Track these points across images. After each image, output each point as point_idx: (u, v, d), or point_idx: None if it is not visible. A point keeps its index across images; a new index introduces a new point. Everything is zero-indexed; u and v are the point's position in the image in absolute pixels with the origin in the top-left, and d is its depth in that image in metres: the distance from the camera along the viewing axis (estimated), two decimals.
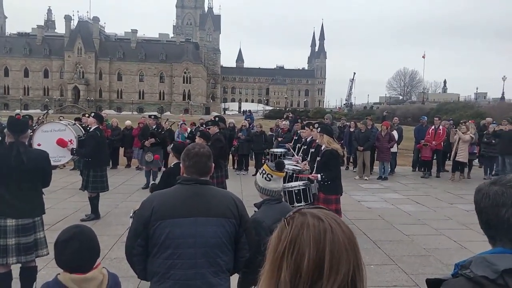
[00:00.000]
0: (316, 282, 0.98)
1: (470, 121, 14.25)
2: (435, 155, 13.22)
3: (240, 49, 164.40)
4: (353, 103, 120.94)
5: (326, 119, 14.32)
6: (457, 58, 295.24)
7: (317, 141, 6.30)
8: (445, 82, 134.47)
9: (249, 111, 23.45)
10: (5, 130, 4.06)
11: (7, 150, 3.91)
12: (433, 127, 13.17)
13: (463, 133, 11.90)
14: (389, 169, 12.96)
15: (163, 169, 10.57)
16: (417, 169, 14.12)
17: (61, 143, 6.86)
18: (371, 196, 10.12)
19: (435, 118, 13.65)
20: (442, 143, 12.92)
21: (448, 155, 13.69)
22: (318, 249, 0.99)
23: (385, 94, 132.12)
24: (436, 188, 11.23)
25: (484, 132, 13.25)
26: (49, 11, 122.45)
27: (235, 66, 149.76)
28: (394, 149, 13.03)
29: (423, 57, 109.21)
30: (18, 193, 3.91)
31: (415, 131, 14.28)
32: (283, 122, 14.07)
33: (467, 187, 11.43)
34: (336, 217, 1.06)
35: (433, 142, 12.72)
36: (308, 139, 7.50)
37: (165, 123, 13.41)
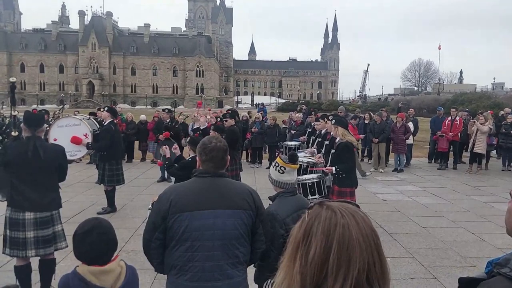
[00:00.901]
0: (325, 277, 0.96)
1: (489, 111, 13.97)
2: (451, 146, 13.02)
3: (252, 41, 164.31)
4: (367, 95, 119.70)
5: (340, 112, 14.19)
6: (473, 48, 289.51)
7: (331, 133, 6.24)
8: (461, 72, 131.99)
9: (262, 104, 23.38)
10: (22, 125, 4.11)
11: (24, 144, 3.96)
12: (449, 118, 12.95)
13: (481, 124, 11.67)
14: (405, 161, 12.82)
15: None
16: (433, 161, 13.93)
17: (76, 141, 6.91)
18: (387, 188, 10.02)
19: (451, 109, 13.42)
20: (459, 134, 12.70)
21: (465, 146, 13.46)
22: (325, 243, 0.97)
23: (400, 86, 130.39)
24: (453, 180, 11.07)
25: (503, 123, 12.97)
26: (63, 6, 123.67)
27: (247, 59, 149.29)
28: (409, 140, 12.88)
29: (439, 48, 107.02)
30: (35, 187, 3.96)
31: (431, 122, 14.07)
32: (296, 115, 14.00)
33: (484, 179, 11.25)
34: (356, 213, 1.03)
35: (450, 134, 12.52)
36: (322, 132, 7.44)
37: (178, 116, 13.45)
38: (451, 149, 13.10)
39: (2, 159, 3.93)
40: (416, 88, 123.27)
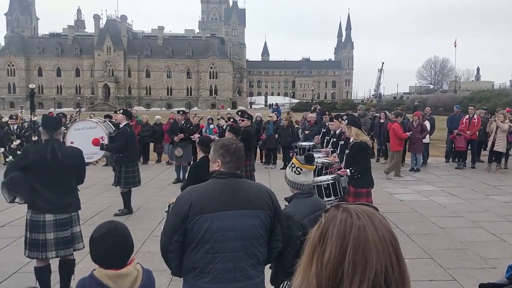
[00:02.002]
0: (340, 280, 0.95)
1: (506, 109, 13.67)
2: (469, 145, 12.78)
3: (265, 42, 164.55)
4: (382, 94, 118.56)
5: (359, 109, 14.08)
6: (490, 45, 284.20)
7: (345, 133, 6.18)
8: (478, 69, 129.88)
9: (276, 104, 23.35)
10: (40, 128, 4.17)
11: (43, 147, 4.02)
12: (467, 116, 12.71)
13: (501, 122, 11.43)
14: (421, 161, 12.63)
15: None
16: (450, 160, 13.70)
17: (97, 142, 7.06)
18: (404, 188, 9.89)
19: (469, 107, 13.18)
20: (477, 133, 12.47)
21: (483, 145, 13.21)
22: (341, 245, 0.96)
23: (415, 84, 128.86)
24: (471, 179, 10.87)
25: None
26: (79, 11, 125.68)
27: (260, 59, 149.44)
28: (426, 139, 12.68)
29: (455, 45, 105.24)
30: (55, 189, 4.03)
31: (448, 120, 13.84)
32: (310, 115, 13.91)
33: (504, 178, 11.02)
34: (373, 215, 1.01)
35: (468, 132, 12.29)
36: (337, 132, 7.38)
37: (193, 118, 13.52)
38: (469, 147, 12.86)
39: (22, 163, 4.01)
40: (432, 86, 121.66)
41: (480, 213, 7.64)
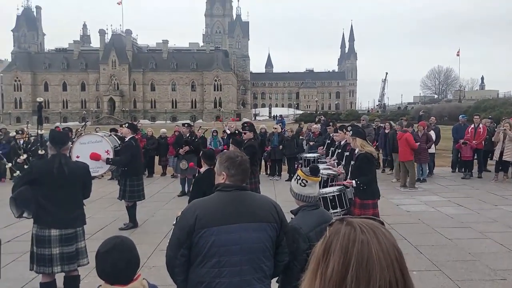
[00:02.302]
0: None
1: (511, 118, 13.61)
2: (476, 154, 12.69)
3: (269, 54, 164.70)
4: (386, 104, 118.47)
5: (363, 120, 14.06)
6: (494, 54, 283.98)
7: (350, 144, 6.16)
8: (482, 78, 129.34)
9: (280, 116, 23.40)
10: (48, 143, 4.20)
11: (50, 162, 4.05)
12: (472, 125, 12.66)
13: (510, 130, 11.36)
14: (428, 171, 12.55)
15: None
16: (457, 170, 13.60)
17: (95, 157, 6.99)
18: (410, 199, 9.81)
19: (474, 117, 13.12)
20: (483, 142, 12.40)
21: (490, 154, 13.11)
22: (344, 260, 0.95)
23: (419, 94, 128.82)
24: (479, 189, 10.77)
25: None
26: (84, 26, 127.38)
27: (264, 71, 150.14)
28: (432, 149, 12.62)
29: (458, 54, 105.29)
30: (60, 204, 4.04)
31: (453, 130, 13.78)
32: (314, 126, 13.90)
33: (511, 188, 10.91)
34: (378, 229, 1.01)
35: (474, 142, 12.23)
36: (342, 143, 7.36)
37: (198, 131, 13.56)
38: (475, 157, 12.77)
39: (28, 177, 4.03)
40: (436, 96, 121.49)
41: (488, 223, 7.55)
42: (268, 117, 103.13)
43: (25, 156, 9.27)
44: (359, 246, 0.96)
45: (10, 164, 9.48)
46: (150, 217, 8.45)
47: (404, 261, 0.99)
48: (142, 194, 7.85)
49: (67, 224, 4.07)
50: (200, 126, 15.68)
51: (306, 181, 2.97)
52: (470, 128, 12.62)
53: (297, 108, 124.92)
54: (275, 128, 14.00)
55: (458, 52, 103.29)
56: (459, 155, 13.20)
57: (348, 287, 0.94)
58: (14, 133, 12.04)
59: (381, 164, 13.99)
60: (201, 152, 5.18)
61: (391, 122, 15.11)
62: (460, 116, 14.81)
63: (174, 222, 3.36)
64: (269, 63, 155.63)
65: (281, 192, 10.05)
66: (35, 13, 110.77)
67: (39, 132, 4.25)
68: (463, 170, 12.99)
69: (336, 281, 0.95)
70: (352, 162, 5.72)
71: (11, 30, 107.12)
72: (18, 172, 6.82)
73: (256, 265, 2.33)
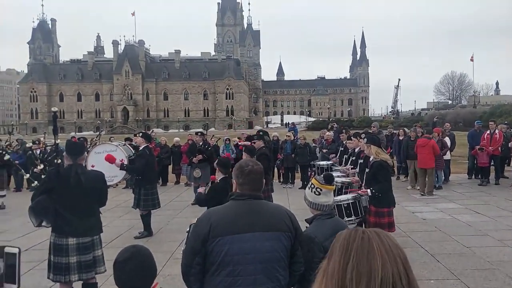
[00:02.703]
0: None
1: None
2: (492, 161, 12.49)
3: (280, 62, 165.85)
4: (400, 110, 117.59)
5: (373, 127, 13.96)
6: (509, 58, 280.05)
7: (364, 151, 6.13)
8: (497, 83, 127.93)
9: (293, 123, 23.29)
10: (64, 154, 4.27)
11: (66, 172, 4.11)
12: (488, 131, 12.47)
13: None
14: (443, 178, 12.38)
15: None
16: (473, 177, 13.39)
17: (110, 159, 7.05)
18: (426, 206, 9.68)
19: (490, 122, 12.92)
20: (499, 148, 12.19)
21: (507, 160, 12.89)
22: (344, 255, 0.98)
23: (433, 100, 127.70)
24: (496, 196, 10.57)
25: None
26: (98, 37, 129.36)
27: (275, 79, 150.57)
28: (447, 156, 12.45)
29: (472, 59, 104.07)
30: (77, 213, 4.09)
31: (469, 136, 13.59)
32: (327, 133, 13.84)
33: None
34: (381, 232, 1.04)
35: (490, 148, 12.04)
36: (356, 150, 7.32)
37: (211, 139, 13.61)
38: (492, 163, 12.56)
39: (45, 186, 4.09)
40: (450, 102, 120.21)
41: (507, 231, 7.40)
42: (280, 125, 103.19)
43: (42, 166, 9.41)
44: (359, 241, 0.99)
45: (28, 175, 9.63)
46: (164, 225, 8.48)
47: (408, 263, 1.00)
48: (156, 203, 7.89)
49: (84, 232, 4.12)
50: (213, 135, 15.74)
51: (321, 190, 2.95)
52: (486, 134, 12.44)
53: (309, 115, 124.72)
54: (288, 136, 13.94)
55: (471, 57, 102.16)
56: (475, 162, 13.01)
57: (349, 277, 0.95)
58: (31, 144, 12.25)
59: (396, 171, 13.85)
60: (217, 160, 5.19)
61: (405, 128, 14.97)
62: (476, 122, 14.61)
63: (188, 229, 3.38)
64: (280, 71, 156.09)
65: (294, 200, 10.01)
66: (50, 26, 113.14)
67: (55, 141, 4.33)
68: (479, 176, 12.78)
69: (339, 274, 0.97)
70: (367, 170, 5.68)
71: (27, 43, 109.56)
72: (36, 182, 6.93)
73: (271, 274, 2.32)
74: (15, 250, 1.49)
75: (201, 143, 11.57)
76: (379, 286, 0.93)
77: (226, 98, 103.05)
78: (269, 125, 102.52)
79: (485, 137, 12.34)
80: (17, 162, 11.64)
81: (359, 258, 0.96)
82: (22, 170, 10.83)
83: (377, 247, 0.97)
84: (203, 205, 4.98)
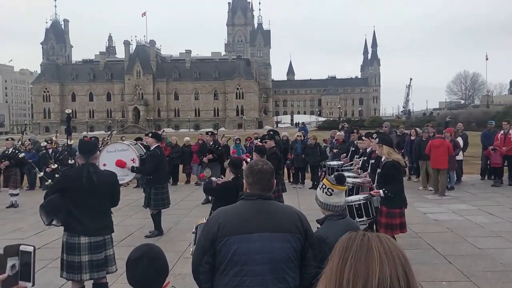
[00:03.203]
0: None
1: None
2: (506, 161, 12.30)
3: (290, 61, 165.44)
4: (411, 110, 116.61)
5: (385, 127, 13.85)
6: None
7: (376, 152, 6.08)
8: (511, 83, 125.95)
9: (303, 123, 23.28)
10: (77, 153, 4.32)
11: (79, 171, 4.15)
12: (502, 131, 12.29)
13: None
14: (455, 178, 12.23)
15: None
16: (486, 177, 13.21)
17: (120, 164, 7.08)
18: (438, 207, 9.58)
19: (503, 123, 12.72)
20: None
21: None
22: (343, 254, 0.99)
23: (445, 99, 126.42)
24: (509, 197, 10.41)
25: None
26: (110, 38, 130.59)
27: (286, 79, 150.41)
28: (459, 156, 12.30)
29: (486, 58, 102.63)
30: (89, 212, 4.13)
31: (482, 136, 13.41)
32: (338, 133, 13.76)
33: None
34: (382, 235, 1.04)
35: (504, 148, 11.87)
36: (367, 150, 7.27)
37: (221, 139, 13.64)
38: (506, 164, 12.37)
39: (58, 186, 4.14)
40: (463, 101, 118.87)
41: None
42: (290, 125, 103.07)
43: (56, 165, 9.51)
44: (359, 242, 0.99)
45: (41, 174, 9.75)
46: (175, 224, 8.52)
47: (409, 265, 0.99)
48: (166, 202, 7.93)
49: (96, 232, 4.16)
50: (224, 135, 15.78)
51: (332, 190, 2.93)
52: (500, 134, 12.26)
53: (320, 115, 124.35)
54: (299, 136, 13.89)
55: (486, 56, 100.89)
56: (488, 162, 12.84)
57: (347, 277, 0.95)
58: (45, 143, 12.41)
59: (407, 171, 13.72)
60: (229, 160, 5.20)
61: (417, 128, 14.82)
62: (488, 122, 14.41)
63: (194, 231, 3.39)
64: (290, 71, 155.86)
65: (304, 200, 9.98)
66: (63, 26, 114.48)
67: (68, 142, 4.37)
68: (492, 177, 12.61)
69: (336, 274, 0.97)
70: (379, 170, 5.63)
71: (40, 43, 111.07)
72: (49, 181, 7.01)
73: (279, 275, 2.31)
74: (30, 249, 1.50)
75: (211, 143, 11.62)
76: (377, 286, 0.93)
77: (236, 98, 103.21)
78: (279, 125, 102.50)
79: (499, 137, 12.17)
80: (30, 161, 11.79)
81: (357, 258, 0.96)
82: (36, 168, 10.97)
83: (376, 248, 0.97)
84: (208, 194, 5.00)
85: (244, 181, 2.60)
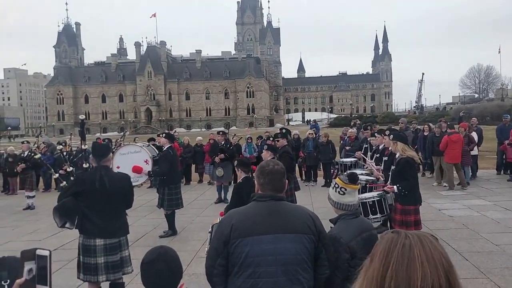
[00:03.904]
0: None
1: None
2: None
3: (300, 59, 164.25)
4: (424, 105, 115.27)
5: (401, 122, 13.71)
6: None
7: (390, 148, 6.03)
8: None
9: (314, 120, 23.19)
10: (90, 156, 4.37)
11: (92, 174, 4.20)
12: None
13: None
14: (470, 174, 12.06)
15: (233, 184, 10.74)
16: (502, 172, 13.00)
17: (137, 170, 7.12)
18: (453, 203, 9.46)
19: None
20: None
21: None
22: (385, 261, 0.98)
23: (459, 93, 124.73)
24: None
25: None
26: (121, 39, 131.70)
27: (296, 76, 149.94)
28: (474, 151, 12.14)
29: (499, 51, 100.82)
30: (104, 214, 4.17)
31: (497, 130, 13.19)
32: (350, 130, 13.66)
33: None
34: (424, 237, 1.02)
35: None
36: (380, 147, 7.21)
37: (232, 138, 13.67)
38: None
39: (74, 189, 4.20)
40: (476, 95, 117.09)
41: None
42: (301, 122, 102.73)
43: (71, 168, 9.65)
44: (400, 248, 0.98)
45: (57, 175, 9.90)
46: (188, 224, 8.57)
47: (454, 271, 0.98)
48: (180, 203, 7.98)
49: (111, 234, 4.20)
50: (235, 134, 15.80)
51: (345, 189, 2.91)
52: None
53: (331, 112, 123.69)
54: (310, 134, 13.83)
55: (499, 49, 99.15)
56: (504, 157, 12.63)
57: (387, 285, 0.95)
58: (61, 146, 12.62)
59: (421, 167, 13.58)
60: (236, 161, 5.19)
61: (430, 124, 14.65)
62: (504, 115, 14.17)
63: (210, 230, 3.40)
64: (301, 68, 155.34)
65: (317, 198, 9.96)
66: (74, 29, 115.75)
67: (83, 147, 4.42)
68: (508, 172, 12.41)
69: (378, 280, 0.97)
70: (393, 167, 5.58)
71: (53, 46, 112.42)
72: (64, 182, 7.11)
73: (293, 276, 2.30)
74: (46, 253, 1.53)
75: (223, 142, 11.65)
76: None
77: (247, 97, 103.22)
78: (290, 123, 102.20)
79: None
80: (46, 162, 11.97)
81: (398, 267, 0.95)
82: (52, 170, 11.15)
83: (418, 256, 0.96)
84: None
85: (255, 181, 2.60)
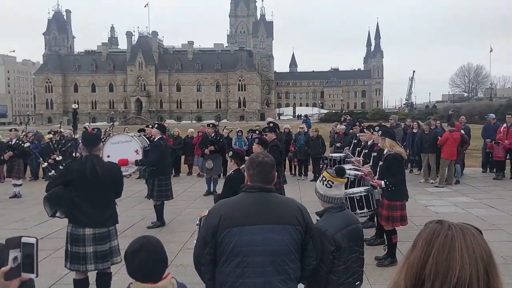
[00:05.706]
0: (423, 283, 1.01)
1: None
2: (508, 154, 12.29)
3: (293, 53, 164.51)
4: (414, 103, 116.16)
5: (391, 119, 13.80)
6: None
7: (379, 144, 6.08)
8: None
9: (306, 115, 23.17)
10: (80, 145, 4.34)
11: (83, 163, 4.18)
12: (505, 125, 12.26)
13: None
14: (461, 172, 12.21)
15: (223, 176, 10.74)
16: (487, 170, 13.21)
17: (123, 163, 6.83)
18: (439, 200, 9.60)
19: (507, 116, 12.68)
20: None
21: None
22: (426, 249, 1.02)
23: (448, 92, 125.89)
24: (511, 191, 10.42)
25: None
26: (112, 28, 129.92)
27: (288, 71, 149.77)
28: None
29: (491, 50, 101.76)
30: (94, 203, 4.16)
31: (483, 130, 13.38)
32: (339, 126, 13.72)
33: None
34: (467, 229, 1.06)
35: (506, 141, 11.84)
36: (369, 143, 7.27)
37: (223, 130, 13.65)
38: (508, 157, 12.36)
39: (63, 178, 4.17)
40: (466, 94, 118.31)
41: None
42: (292, 117, 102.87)
43: (60, 157, 9.53)
44: (442, 238, 1.01)
45: (45, 164, 9.78)
46: (176, 216, 8.58)
47: (494, 265, 1.01)
48: (170, 194, 7.96)
49: (100, 223, 4.19)
50: (225, 126, 15.78)
51: (332, 182, 2.95)
52: (503, 127, 12.24)
53: (322, 107, 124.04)
54: (302, 128, 13.88)
55: (490, 49, 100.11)
56: (490, 155, 12.82)
57: (427, 273, 0.99)
58: (51, 135, 12.46)
59: (409, 164, 13.72)
60: (231, 152, 5.20)
61: (419, 121, 14.78)
62: (486, 115, 14.35)
63: (198, 222, 3.42)
64: (293, 63, 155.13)
65: (306, 192, 10.02)
66: (65, 17, 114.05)
67: (74, 136, 4.40)
68: (494, 170, 12.61)
69: (418, 267, 1.01)
70: (381, 163, 5.64)
71: (43, 34, 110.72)
72: (53, 171, 7.04)
73: (280, 267, 2.34)
74: (33, 240, 1.52)
75: (213, 135, 11.64)
76: (455, 284, 0.96)
77: (239, 90, 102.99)
78: (281, 117, 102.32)
79: (502, 130, 12.15)
80: (34, 151, 11.82)
81: (439, 256, 0.99)
82: (41, 159, 11.04)
83: (459, 247, 0.99)
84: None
85: (245, 173, 2.62)
